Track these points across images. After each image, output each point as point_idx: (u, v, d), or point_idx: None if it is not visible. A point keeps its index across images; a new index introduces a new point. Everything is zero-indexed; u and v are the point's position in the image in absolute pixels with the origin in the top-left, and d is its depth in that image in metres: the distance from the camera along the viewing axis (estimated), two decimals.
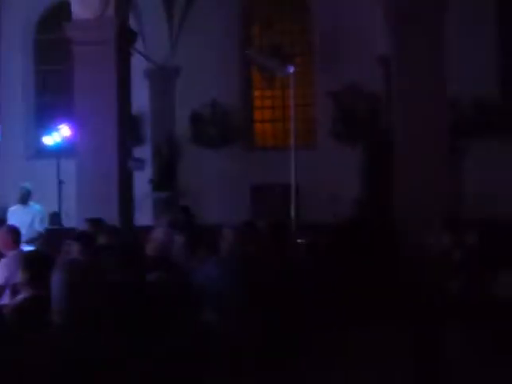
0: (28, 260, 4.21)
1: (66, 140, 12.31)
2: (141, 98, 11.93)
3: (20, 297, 4.15)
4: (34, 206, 8.64)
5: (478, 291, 5.32)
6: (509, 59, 12.38)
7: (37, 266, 4.06)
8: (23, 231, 6.76)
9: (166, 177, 12.83)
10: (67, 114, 11.92)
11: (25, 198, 8.50)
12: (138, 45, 10.90)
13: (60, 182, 12.06)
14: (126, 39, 9.79)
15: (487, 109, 11.79)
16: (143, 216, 10.73)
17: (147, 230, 6.67)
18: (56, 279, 3.05)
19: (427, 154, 9.03)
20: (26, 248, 6.65)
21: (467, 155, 11.48)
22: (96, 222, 6.84)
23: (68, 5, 9.66)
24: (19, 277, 4.21)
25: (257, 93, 13.63)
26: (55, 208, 12.08)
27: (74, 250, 5.38)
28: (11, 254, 5.69)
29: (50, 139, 12.70)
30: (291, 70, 9.21)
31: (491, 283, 5.31)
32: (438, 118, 9.12)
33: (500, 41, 12.40)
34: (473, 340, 4.65)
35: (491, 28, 12.30)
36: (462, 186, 11.32)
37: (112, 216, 8.52)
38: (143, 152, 11.73)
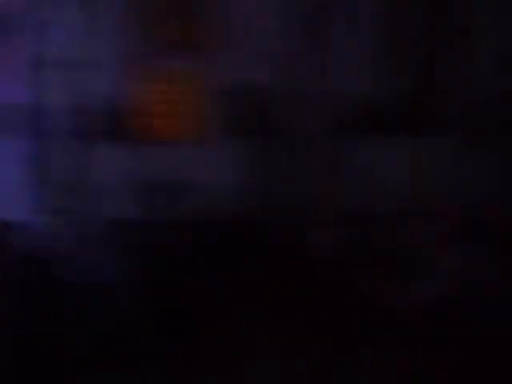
0: None
1: None
2: None
3: None
4: None
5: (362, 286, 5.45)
6: (394, 60, 12.74)
7: None
8: None
9: None
10: None
11: None
12: None
13: None
14: None
15: (373, 108, 12.08)
16: None
17: None
18: None
19: (314, 152, 9.18)
20: None
21: (354, 154, 11.74)
22: None
23: None
24: None
25: (147, 87, 13.35)
26: None
27: None
28: None
29: None
30: (183, 63, 9.13)
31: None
32: (324, 116, 9.30)
33: (386, 41, 12.73)
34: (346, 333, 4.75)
35: (378, 29, 12.60)
36: (348, 184, 11.56)
37: None
38: None
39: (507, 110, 11.82)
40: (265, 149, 11.92)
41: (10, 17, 11.91)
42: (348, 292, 4.98)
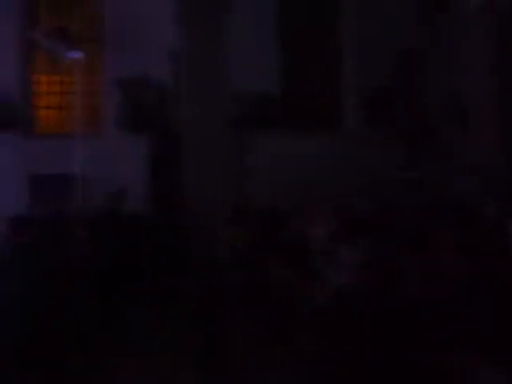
0: None
1: None
2: None
3: None
4: None
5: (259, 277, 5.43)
6: (289, 60, 12.95)
7: None
8: None
9: None
10: None
11: None
12: None
13: None
14: None
15: (270, 104, 12.18)
16: None
17: None
18: None
19: (213, 147, 9.10)
20: None
21: (252, 148, 11.76)
22: None
23: None
24: None
25: (41, 78, 12.80)
26: None
27: None
28: None
29: None
30: (78, 55, 8.80)
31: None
32: (222, 111, 9.24)
33: (281, 42, 12.91)
34: (249, 324, 4.72)
35: (273, 30, 12.72)
36: (247, 179, 11.57)
37: None
38: None
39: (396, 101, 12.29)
40: (160, 143, 11.72)
41: None
42: (257, 283, 4.97)
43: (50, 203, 9.18)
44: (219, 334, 5.64)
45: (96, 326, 7.18)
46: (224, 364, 5.49)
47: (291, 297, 4.51)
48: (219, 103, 9.29)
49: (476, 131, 9.40)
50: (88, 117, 12.51)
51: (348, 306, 3.76)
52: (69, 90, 12.46)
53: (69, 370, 5.65)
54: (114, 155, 11.62)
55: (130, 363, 6.22)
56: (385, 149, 11.48)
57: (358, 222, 5.95)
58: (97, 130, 12.52)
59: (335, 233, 4.79)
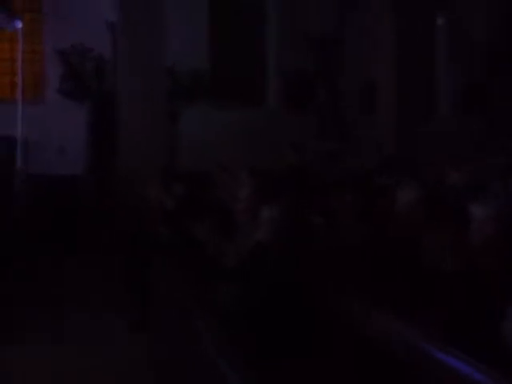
0: None
1: None
2: None
3: None
4: None
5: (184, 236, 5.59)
6: (220, 37, 13.07)
7: None
8: None
9: None
10: None
11: None
12: None
13: None
14: None
15: (199, 77, 12.31)
16: None
17: None
18: None
19: (147, 115, 9.19)
20: None
21: (182, 117, 11.91)
22: None
23: None
24: None
25: None
26: None
27: None
28: None
29: None
30: (19, 25, 8.65)
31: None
32: (157, 83, 9.32)
33: (212, 19, 13.00)
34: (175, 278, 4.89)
35: (206, 8, 12.82)
36: (177, 144, 11.74)
37: None
38: None
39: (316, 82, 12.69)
40: (98, 110, 11.66)
41: None
42: (184, 240, 5.17)
43: None
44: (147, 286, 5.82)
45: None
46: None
47: (216, 252, 4.64)
48: (154, 74, 9.33)
49: (379, 113, 9.91)
50: (31, 84, 12.28)
51: (263, 259, 4.00)
52: (11, 58, 12.15)
53: None
54: (56, 120, 11.54)
55: None
56: (300, 124, 11.91)
57: (274, 184, 6.27)
58: (40, 96, 12.31)
59: (254, 193, 5.03)
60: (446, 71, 12.74)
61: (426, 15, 9.42)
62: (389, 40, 10.48)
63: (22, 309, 6.64)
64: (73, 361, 5.31)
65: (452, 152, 9.32)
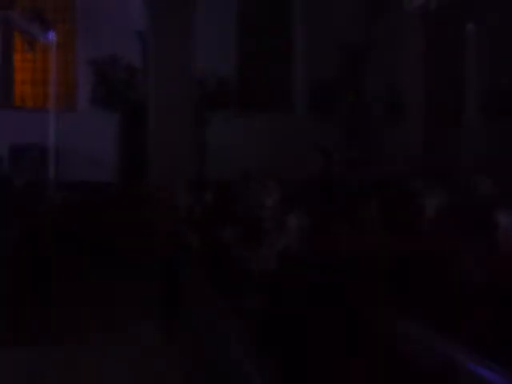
0: None
1: None
2: None
3: None
4: None
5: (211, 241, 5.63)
6: (246, 48, 13.14)
7: None
8: None
9: None
10: None
11: None
12: None
13: None
14: None
15: (227, 87, 12.39)
16: None
17: None
18: None
19: (175, 123, 9.26)
20: None
21: (209, 125, 11.99)
22: None
23: None
24: None
25: (17, 55, 12.68)
26: None
27: None
28: None
29: None
30: (52, 36, 8.80)
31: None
32: (186, 91, 9.38)
33: (240, 29, 13.07)
34: (205, 281, 4.93)
35: (234, 18, 12.90)
36: (205, 152, 11.82)
37: None
38: None
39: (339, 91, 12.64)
40: (128, 119, 11.79)
41: None
42: (213, 246, 5.20)
43: (29, 170, 9.27)
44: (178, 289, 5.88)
45: None
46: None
47: (243, 259, 4.66)
48: (183, 83, 9.40)
49: (406, 121, 9.82)
50: (64, 93, 12.51)
51: (289, 266, 3.99)
52: (44, 68, 12.39)
53: None
54: (88, 129, 11.72)
55: None
56: (327, 131, 11.88)
57: (301, 191, 6.27)
58: (72, 105, 12.52)
59: (281, 201, 5.04)
60: (475, 77, 12.59)
61: (455, 22, 9.31)
62: (417, 48, 10.39)
63: (64, 309, 6.86)
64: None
65: (481, 158, 9.20)
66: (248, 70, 13.23)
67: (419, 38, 10.58)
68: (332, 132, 12.11)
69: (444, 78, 9.52)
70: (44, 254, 7.30)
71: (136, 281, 7.72)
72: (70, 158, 11.13)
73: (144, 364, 5.36)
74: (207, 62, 11.09)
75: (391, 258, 4.28)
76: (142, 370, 5.25)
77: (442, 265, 3.84)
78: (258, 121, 12.44)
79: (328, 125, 12.28)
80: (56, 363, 5.37)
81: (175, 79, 9.35)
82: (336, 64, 12.71)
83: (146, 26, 9.94)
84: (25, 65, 12.73)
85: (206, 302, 4.46)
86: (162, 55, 9.51)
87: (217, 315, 3.90)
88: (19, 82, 12.75)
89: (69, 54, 12.69)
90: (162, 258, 6.85)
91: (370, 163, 10.68)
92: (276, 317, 3.67)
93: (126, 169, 11.60)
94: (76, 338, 6.03)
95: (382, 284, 4.02)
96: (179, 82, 9.39)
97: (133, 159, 11.21)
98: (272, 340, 3.33)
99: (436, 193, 4.74)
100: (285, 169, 7.64)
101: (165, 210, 7.52)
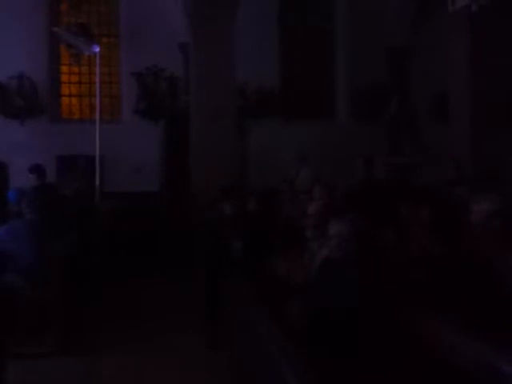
0: None
1: None
2: None
3: None
4: None
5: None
6: (287, 56, 13.14)
7: None
8: None
9: None
10: None
11: None
12: None
13: None
14: None
15: (268, 96, 12.42)
16: None
17: None
18: None
19: (218, 132, 9.30)
20: None
21: (251, 134, 12.03)
22: None
23: None
24: None
25: (64, 68, 12.99)
26: None
27: None
28: None
29: None
30: (97, 49, 8.97)
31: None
32: (228, 100, 9.43)
33: (281, 39, 13.10)
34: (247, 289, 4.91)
35: (274, 28, 12.93)
36: (247, 160, 11.85)
37: None
38: None
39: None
40: (171, 129, 11.91)
41: None
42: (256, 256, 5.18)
43: (76, 180, 9.45)
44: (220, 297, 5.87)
45: None
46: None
47: (285, 267, 4.61)
48: (225, 92, 9.44)
49: (453, 125, 9.61)
50: (108, 105, 12.76)
51: (331, 274, 3.90)
52: (89, 81, 12.67)
53: None
54: (132, 139, 11.93)
55: None
56: (371, 138, 11.74)
57: (344, 198, 6.18)
58: (117, 116, 12.76)
59: (323, 209, 4.97)
60: None
61: (502, 24, 9.07)
62: (464, 50, 10.16)
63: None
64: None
65: None
66: (290, 79, 13.22)
67: (466, 38, 10.34)
68: (377, 137, 11.95)
69: (493, 79, 9.27)
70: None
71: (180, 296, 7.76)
72: (115, 168, 11.35)
73: None
74: (249, 72, 11.14)
75: (433, 263, 4.17)
76: None
77: (499, 276, 3.70)
78: (301, 128, 12.40)
79: (373, 130, 12.13)
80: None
81: (217, 90, 9.41)
82: (380, 68, 12.57)
83: (188, 37, 10.04)
84: (71, 78, 13.04)
85: (245, 315, 4.44)
86: (204, 65, 9.58)
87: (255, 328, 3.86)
88: (66, 94, 13.06)
89: (113, 66, 12.94)
90: (205, 268, 6.86)
91: (418, 168, 10.49)
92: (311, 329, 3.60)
93: (169, 178, 11.73)
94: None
95: (420, 289, 3.92)
96: (221, 92, 9.45)
97: (176, 168, 11.31)
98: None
99: (487, 198, 4.58)
100: (329, 177, 7.56)
101: (208, 218, 7.53)
